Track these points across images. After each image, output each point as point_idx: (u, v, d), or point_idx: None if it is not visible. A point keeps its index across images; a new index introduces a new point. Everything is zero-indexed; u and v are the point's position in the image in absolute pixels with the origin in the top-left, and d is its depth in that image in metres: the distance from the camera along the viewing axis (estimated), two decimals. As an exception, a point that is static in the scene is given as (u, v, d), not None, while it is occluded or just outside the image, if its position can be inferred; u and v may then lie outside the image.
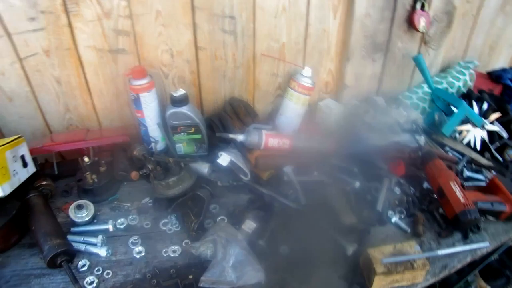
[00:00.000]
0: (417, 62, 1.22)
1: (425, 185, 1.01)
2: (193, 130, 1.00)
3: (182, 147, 1.03)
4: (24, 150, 0.88)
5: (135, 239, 0.84)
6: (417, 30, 1.19)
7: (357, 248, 0.80)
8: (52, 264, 0.76)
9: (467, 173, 1.07)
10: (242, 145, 1.01)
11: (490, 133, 1.20)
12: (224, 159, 0.95)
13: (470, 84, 1.39)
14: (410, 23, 1.18)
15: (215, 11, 0.96)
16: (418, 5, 1.16)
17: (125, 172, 0.97)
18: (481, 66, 1.49)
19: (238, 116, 1.07)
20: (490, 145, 1.20)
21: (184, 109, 0.96)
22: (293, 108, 1.09)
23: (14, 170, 0.83)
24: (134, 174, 0.97)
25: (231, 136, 0.99)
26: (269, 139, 0.99)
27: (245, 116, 1.08)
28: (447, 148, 1.16)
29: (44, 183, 0.91)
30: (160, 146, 1.04)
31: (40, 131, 1.02)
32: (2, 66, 0.91)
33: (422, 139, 1.11)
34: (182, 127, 0.99)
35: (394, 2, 1.14)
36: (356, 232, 0.84)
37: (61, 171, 0.97)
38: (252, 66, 1.08)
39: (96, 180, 0.92)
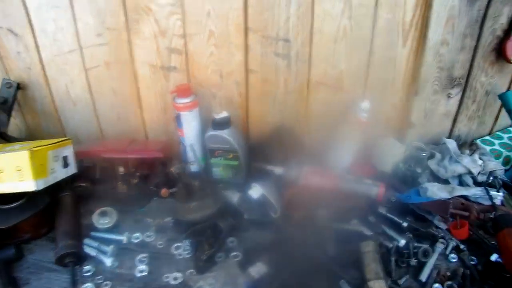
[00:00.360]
0: (504, 101, 1.00)
1: (494, 257, 0.77)
2: (231, 155, 0.94)
3: (218, 171, 0.98)
4: (68, 151, 0.93)
5: (143, 257, 0.80)
6: (509, 61, 0.97)
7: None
8: (60, 262, 0.78)
9: None
10: (279, 179, 0.92)
11: None
12: (255, 191, 0.88)
13: None
14: (501, 53, 0.97)
15: (269, 33, 0.92)
16: (515, 30, 0.95)
17: (158, 187, 0.95)
18: None
19: (284, 146, 0.98)
20: None
21: (224, 133, 0.92)
22: (346, 144, 0.98)
23: (53, 169, 0.88)
24: (164, 191, 0.94)
25: (269, 167, 0.91)
26: (309, 176, 0.89)
27: (291, 148, 0.98)
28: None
29: (81, 184, 0.94)
30: (198, 167, 1.00)
31: (95, 135, 1.09)
32: (72, 75, 1.01)
33: (499, 197, 0.89)
34: (220, 151, 0.94)
35: (479, 27, 0.95)
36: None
37: (104, 176, 1.00)
38: (306, 93, 0.99)
39: (126, 190, 0.92)
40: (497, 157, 1.04)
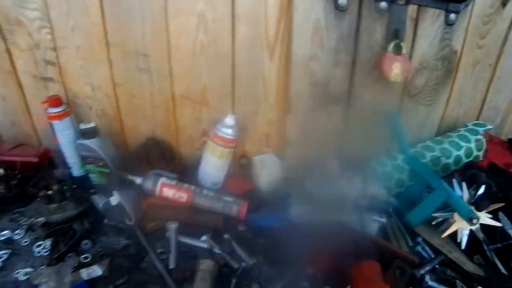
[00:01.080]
0: (389, 121, 0.98)
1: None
2: (101, 163, 1.01)
3: (94, 177, 1.06)
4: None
5: (4, 253, 0.89)
6: (388, 77, 0.94)
7: None
8: None
9: (429, 282, 0.78)
10: (137, 190, 0.98)
11: (491, 229, 0.87)
12: (114, 198, 0.95)
13: (478, 154, 1.02)
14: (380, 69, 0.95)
15: (129, 48, 0.96)
16: (391, 47, 0.92)
17: (38, 190, 1.04)
18: (504, 131, 1.09)
19: (149, 158, 1.03)
20: (485, 245, 0.87)
21: (91, 142, 0.99)
22: (210, 160, 1.02)
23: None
24: (42, 193, 1.03)
25: (130, 177, 0.97)
26: (163, 189, 0.95)
27: (158, 160, 1.03)
28: (419, 240, 0.89)
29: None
30: (80, 172, 1.08)
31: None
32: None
33: (374, 224, 0.88)
34: (90, 159, 1.01)
35: (354, 42, 0.93)
36: None
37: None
38: (172, 108, 1.03)
39: (3, 190, 1.01)
40: (388, 179, 0.99)
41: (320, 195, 0.92)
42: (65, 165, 1.07)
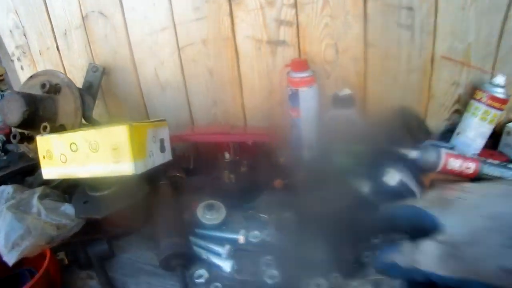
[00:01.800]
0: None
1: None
2: (354, 140, 0.80)
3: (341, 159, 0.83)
4: (165, 134, 0.80)
5: (268, 259, 0.64)
6: None
7: None
8: (165, 264, 0.63)
9: None
10: (413, 165, 0.77)
11: None
12: (392, 177, 0.73)
13: None
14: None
15: (390, 0, 0.82)
16: None
17: (270, 179, 0.80)
18: None
19: (410, 131, 0.85)
20: None
21: (348, 113, 0.79)
22: (478, 125, 0.85)
23: (151, 151, 0.74)
24: (278, 182, 0.79)
25: (402, 151, 0.77)
26: (449, 160, 0.75)
27: (418, 132, 0.85)
28: None
29: (177, 174, 0.81)
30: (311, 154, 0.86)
31: (184, 123, 0.96)
32: (163, 56, 0.91)
33: None
34: (341, 135, 0.80)
35: None
36: None
37: (196, 166, 0.87)
38: (430, 71, 0.87)
39: (234, 180, 0.78)
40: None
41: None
42: (298, 145, 0.85)
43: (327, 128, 0.81)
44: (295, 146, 0.85)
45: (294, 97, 0.81)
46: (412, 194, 0.72)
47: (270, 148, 0.86)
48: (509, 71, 0.86)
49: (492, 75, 0.85)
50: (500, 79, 0.82)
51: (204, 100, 0.93)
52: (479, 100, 0.84)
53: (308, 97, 0.80)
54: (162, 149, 0.79)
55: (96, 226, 0.69)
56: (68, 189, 0.80)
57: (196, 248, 0.67)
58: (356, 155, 0.81)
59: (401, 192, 0.73)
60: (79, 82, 0.92)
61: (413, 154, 0.77)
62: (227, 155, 0.79)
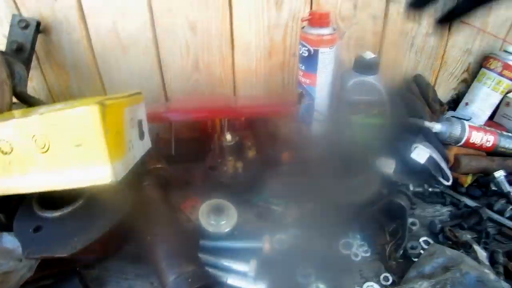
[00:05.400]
0: None
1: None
2: (375, 111, 0.68)
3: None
4: (142, 113, 0.58)
5: (306, 269, 0.50)
6: None
7: None
8: None
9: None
10: (435, 139, 0.69)
11: None
12: (421, 154, 0.65)
13: None
14: None
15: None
16: None
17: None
18: None
19: (428, 101, 0.76)
20: None
21: (373, 79, 0.65)
22: (488, 95, 0.80)
23: (130, 141, 0.52)
24: (285, 155, 0.64)
25: (427, 124, 0.68)
26: (472, 133, 0.69)
27: (434, 102, 0.77)
28: None
29: (159, 166, 0.60)
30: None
31: (153, 95, 0.72)
32: (125, 2, 0.64)
33: None
34: (362, 106, 0.67)
35: None
36: None
37: (177, 152, 0.66)
38: (446, 36, 0.78)
39: (240, 170, 0.60)
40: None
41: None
42: (306, 117, 0.69)
43: (349, 97, 0.66)
44: (306, 120, 0.69)
45: (310, 59, 0.63)
46: (442, 171, 0.66)
47: (271, 124, 0.70)
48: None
49: (503, 44, 0.80)
50: (515, 47, 0.77)
51: (183, 63, 0.70)
52: (491, 69, 0.79)
53: (327, 60, 0.64)
54: (141, 135, 0.56)
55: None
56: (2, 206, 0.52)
57: (211, 270, 0.49)
58: (379, 129, 0.70)
59: (428, 171, 0.67)
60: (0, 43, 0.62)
61: (437, 127, 0.69)
62: (228, 137, 0.60)
